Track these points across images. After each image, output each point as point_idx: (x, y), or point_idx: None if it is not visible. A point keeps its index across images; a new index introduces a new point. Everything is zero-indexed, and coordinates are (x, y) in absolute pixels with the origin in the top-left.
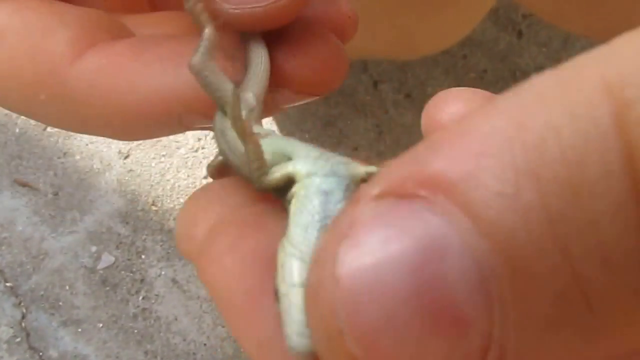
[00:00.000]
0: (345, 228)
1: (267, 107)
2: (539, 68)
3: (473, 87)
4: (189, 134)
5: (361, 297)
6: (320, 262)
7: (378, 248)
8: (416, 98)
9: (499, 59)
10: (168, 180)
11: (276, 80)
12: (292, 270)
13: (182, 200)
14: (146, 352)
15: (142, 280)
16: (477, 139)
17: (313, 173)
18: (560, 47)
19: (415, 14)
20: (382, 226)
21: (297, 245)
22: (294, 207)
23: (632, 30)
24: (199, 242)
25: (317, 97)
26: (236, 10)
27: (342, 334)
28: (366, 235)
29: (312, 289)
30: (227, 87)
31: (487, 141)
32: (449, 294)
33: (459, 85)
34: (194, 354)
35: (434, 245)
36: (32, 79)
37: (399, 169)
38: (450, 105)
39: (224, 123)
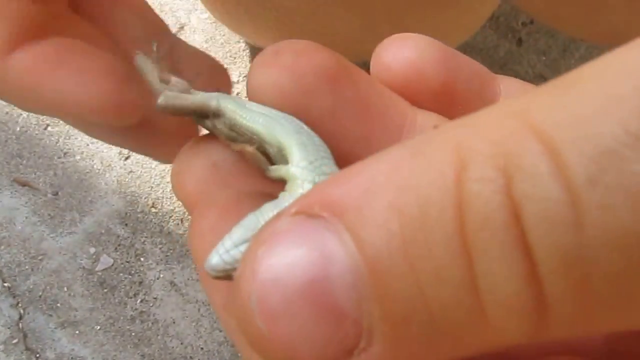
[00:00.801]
0: (266, 235)
1: None
2: (538, 76)
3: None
4: None
5: (268, 288)
6: (246, 259)
7: (285, 252)
8: None
9: (498, 66)
10: (168, 182)
11: None
12: (251, 224)
13: (181, 203)
14: (143, 356)
15: (140, 283)
16: (367, 179)
17: (306, 179)
18: (560, 56)
19: (417, 15)
20: (291, 236)
21: None
22: (285, 201)
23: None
24: (188, 197)
25: None
26: None
27: (253, 313)
28: (278, 242)
29: (238, 278)
30: (200, 98)
31: (372, 181)
32: (332, 291)
33: None
34: (191, 357)
35: (325, 254)
36: None
37: (313, 193)
38: (398, 51)
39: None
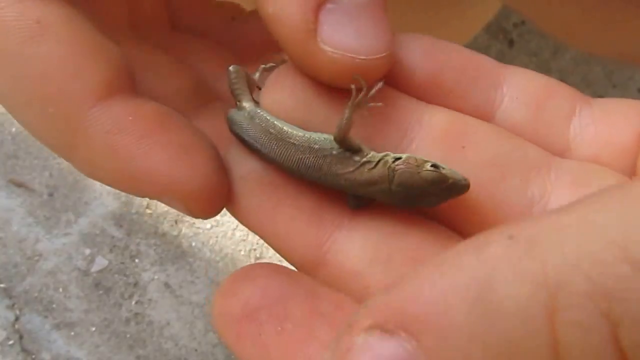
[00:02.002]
0: (344, 351)
1: None
2: None
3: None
4: None
5: None
6: None
7: None
8: None
9: None
10: None
11: None
12: None
13: None
14: (138, 357)
15: (135, 284)
16: (441, 294)
17: None
18: (550, 57)
19: (413, 20)
20: (370, 355)
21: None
22: None
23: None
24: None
25: None
26: (335, 55)
27: None
28: (362, 356)
29: None
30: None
31: (447, 300)
32: None
33: None
34: (185, 359)
35: None
36: (54, 110)
37: (385, 303)
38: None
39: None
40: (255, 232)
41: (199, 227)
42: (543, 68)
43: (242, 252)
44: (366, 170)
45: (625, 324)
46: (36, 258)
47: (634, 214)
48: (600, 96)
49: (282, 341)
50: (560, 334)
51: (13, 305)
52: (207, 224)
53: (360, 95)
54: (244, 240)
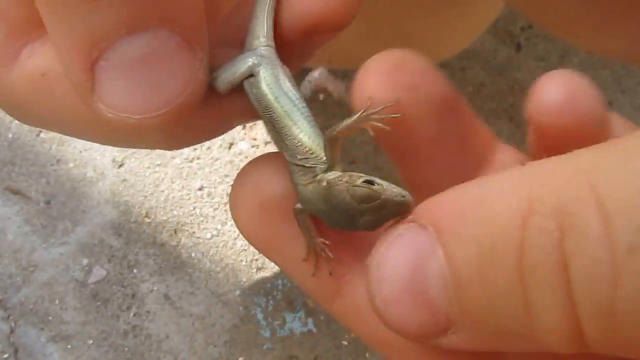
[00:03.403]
0: (389, 236)
1: (295, 55)
2: None
3: (471, 100)
4: None
5: (383, 281)
6: (373, 252)
7: (397, 255)
8: None
9: (497, 72)
10: (162, 191)
11: (289, 20)
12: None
13: (175, 213)
14: None
15: (133, 296)
16: (461, 207)
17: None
18: (558, 62)
19: (418, 21)
20: (403, 242)
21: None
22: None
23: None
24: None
25: (335, 34)
26: (109, 114)
27: (375, 296)
28: (394, 245)
29: (368, 267)
30: (246, 68)
31: (464, 210)
32: (427, 289)
33: None
34: None
35: (425, 262)
36: None
37: (425, 206)
38: (373, 80)
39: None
40: (271, 260)
41: (199, 237)
42: None
43: (244, 263)
44: (312, 186)
45: (571, 232)
46: (32, 268)
47: (602, 153)
48: (609, 102)
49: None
50: (527, 236)
51: (8, 317)
52: (208, 233)
53: (372, 111)
54: (245, 250)
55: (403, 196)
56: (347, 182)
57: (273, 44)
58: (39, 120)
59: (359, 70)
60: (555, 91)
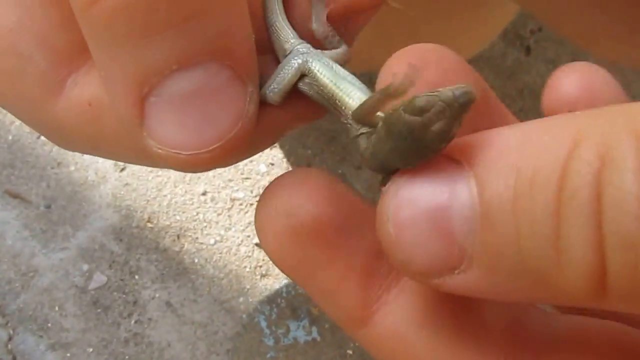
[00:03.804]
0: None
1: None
2: None
3: (479, 104)
4: None
5: (403, 204)
6: (394, 179)
7: (423, 181)
8: None
9: (506, 75)
10: (165, 195)
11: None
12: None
13: (178, 218)
14: None
15: (134, 303)
16: (502, 141)
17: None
18: None
19: (431, 26)
20: (432, 170)
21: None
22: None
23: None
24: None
25: (374, 13)
26: (160, 151)
27: (388, 220)
28: (422, 171)
29: (384, 193)
30: (294, 69)
31: (505, 144)
32: (450, 219)
33: None
34: None
35: (453, 190)
36: (22, 115)
37: (460, 141)
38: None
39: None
40: (299, 285)
41: (202, 243)
42: None
43: (248, 269)
44: (374, 136)
45: (608, 165)
46: (31, 274)
47: None
48: None
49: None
50: (568, 168)
51: (6, 324)
52: (211, 239)
53: (394, 85)
54: (249, 256)
55: (463, 87)
56: (400, 106)
57: (302, 39)
58: (83, 147)
59: (384, 66)
60: (571, 83)
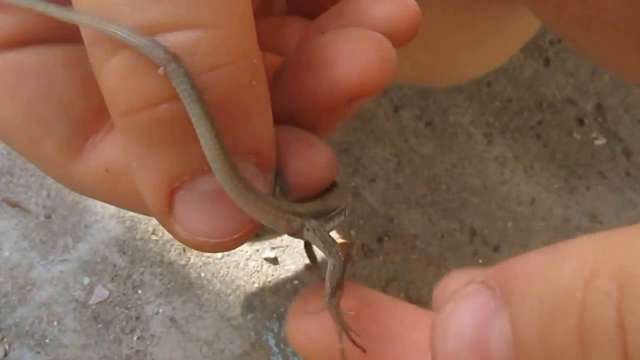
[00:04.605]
0: (459, 293)
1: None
2: (566, 99)
3: (497, 116)
4: None
5: (451, 338)
6: (443, 307)
7: (464, 313)
8: (437, 126)
9: (524, 87)
10: None
11: (327, 91)
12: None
13: None
14: None
15: (137, 318)
16: (528, 271)
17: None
18: (588, 78)
19: (451, 42)
20: (472, 302)
21: None
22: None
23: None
24: None
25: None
26: (187, 237)
27: (435, 350)
28: (464, 302)
29: (439, 316)
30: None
31: (529, 275)
32: (488, 348)
33: (482, 115)
34: None
35: (490, 322)
36: (42, 169)
37: (495, 270)
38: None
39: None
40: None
41: (208, 257)
42: (581, 90)
43: (256, 285)
44: None
45: (627, 293)
46: (29, 287)
47: None
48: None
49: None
50: (586, 298)
51: (2, 339)
52: (218, 253)
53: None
54: (257, 271)
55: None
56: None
57: (292, 198)
58: (102, 200)
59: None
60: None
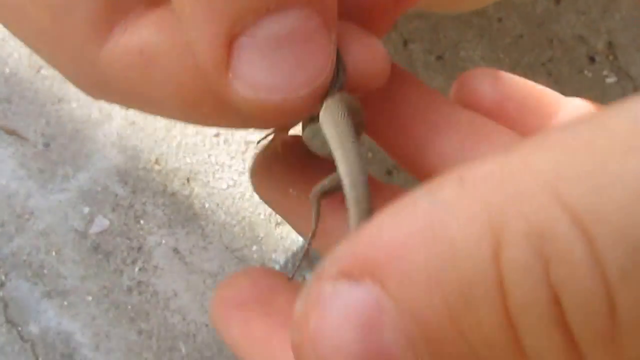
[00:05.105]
0: (314, 301)
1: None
2: (577, 37)
3: (508, 52)
4: None
5: (323, 350)
6: (299, 322)
7: (333, 323)
8: (448, 61)
9: (535, 24)
10: (174, 136)
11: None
12: None
13: (188, 160)
14: (140, 332)
15: (139, 249)
16: (401, 237)
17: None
18: (599, 16)
19: None
20: (337, 305)
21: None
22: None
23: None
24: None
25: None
26: (246, 94)
27: None
28: (326, 310)
29: (295, 342)
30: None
31: (406, 242)
32: (386, 350)
33: (493, 50)
34: (194, 335)
35: (373, 324)
36: (58, 59)
37: (349, 251)
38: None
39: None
40: None
41: (213, 187)
42: (591, 27)
43: (262, 216)
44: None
45: (553, 261)
46: (27, 216)
47: (567, 154)
48: None
49: (266, 325)
50: (505, 273)
51: None
52: (223, 183)
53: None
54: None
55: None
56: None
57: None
58: (121, 96)
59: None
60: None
